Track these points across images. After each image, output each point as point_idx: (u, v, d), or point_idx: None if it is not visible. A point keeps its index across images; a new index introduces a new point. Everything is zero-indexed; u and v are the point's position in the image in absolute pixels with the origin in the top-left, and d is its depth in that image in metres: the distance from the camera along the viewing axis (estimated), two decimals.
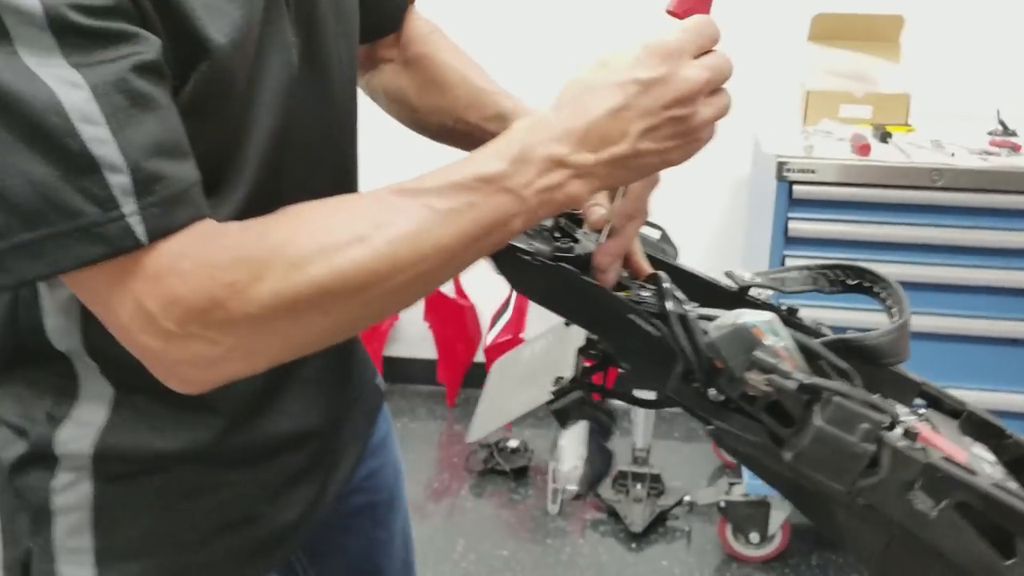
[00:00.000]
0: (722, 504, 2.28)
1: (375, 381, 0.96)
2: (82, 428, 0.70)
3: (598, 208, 0.74)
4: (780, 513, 2.26)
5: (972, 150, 1.99)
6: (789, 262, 1.96)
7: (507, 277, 0.73)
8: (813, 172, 1.92)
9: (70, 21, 0.51)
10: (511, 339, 2.83)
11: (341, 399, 0.84)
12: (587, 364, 0.78)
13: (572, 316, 0.75)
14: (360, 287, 0.56)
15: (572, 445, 0.70)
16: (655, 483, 2.51)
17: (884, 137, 2.05)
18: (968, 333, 1.86)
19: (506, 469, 2.66)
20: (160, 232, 0.54)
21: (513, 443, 2.75)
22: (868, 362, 0.73)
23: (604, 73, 0.57)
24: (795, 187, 1.94)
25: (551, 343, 0.87)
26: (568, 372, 0.75)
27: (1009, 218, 1.89)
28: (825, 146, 2.02)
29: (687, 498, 2.46)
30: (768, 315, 0.68)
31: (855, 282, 0.84)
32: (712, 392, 0.71)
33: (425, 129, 0.93)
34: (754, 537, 2.28)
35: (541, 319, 2.94)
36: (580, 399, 0.73)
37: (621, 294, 0.71)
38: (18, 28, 0.50)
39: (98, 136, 0.52)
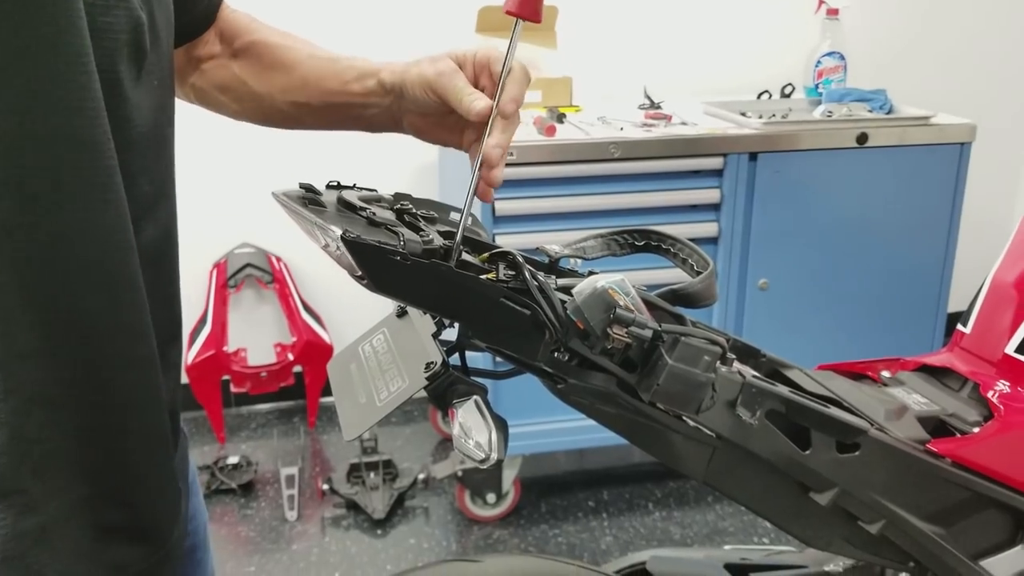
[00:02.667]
0: (459, 473, 2.41)
1: None
2: None
3: (479, 100, 0.80)
4: (511, 472, 2.44)
5: (635, 124, 2.27)
6: (500, 240, 2.11)
7: (371, 279, 0.75)
8: (512, 154, 2.07)
9: None
10: (215, 354, 2.73)
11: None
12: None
13: (441, 309, 0.79)
14: None
15: (474, 418, 0.75)
16: (388, 468, 2.58)
17: (560, 118, 2.27)
18: (664, 281, 2.15)
19: (232, 486, 2.58)
20: None
21: (233, 459, 2.68)
22: (689, 306, 0.86)
23: None
24: None
25: (391, 335, 0.90)
26: (436, 357, 0.80)
27: (676, 179, 2.19)
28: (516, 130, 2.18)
29: (421, 476, 2.56)
30: (617, 277, 0.78)
31: (642, 243, 0.98)
32: (556, 355, 0.80)
33: (271, 113, 0.91)
34: (491, 498, 2.44)
35: (245, 329, 2.88)
36: (453, 379, 0.79)
37: (487, 276, 0.77)
38: None
39: None
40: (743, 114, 2.40)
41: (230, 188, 2.75)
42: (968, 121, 2.37)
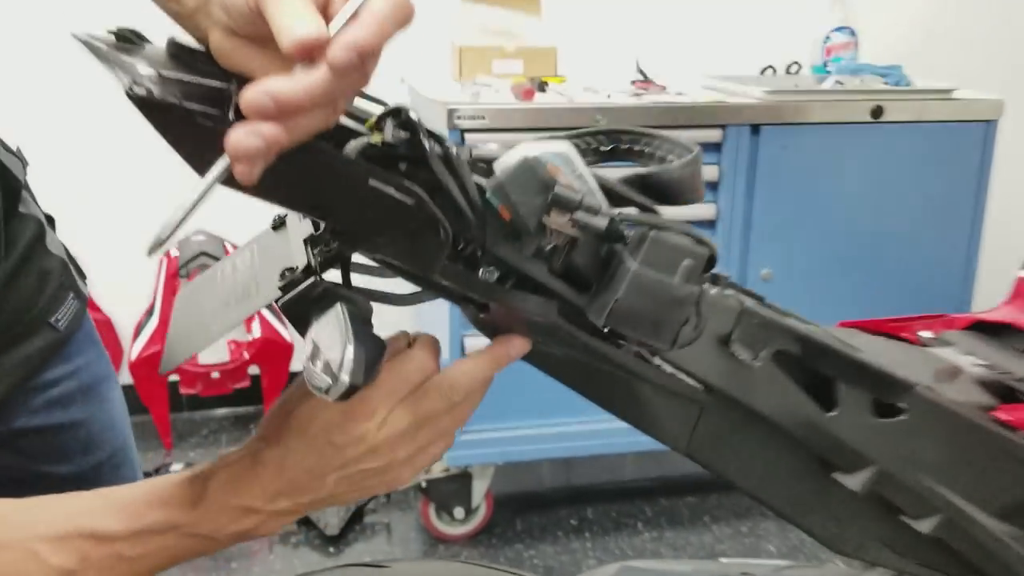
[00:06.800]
0: (423, 484, 2.16)
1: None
2: None
3: (306, 24, 0.47)
4: (482, 483, 2.19)
5: (624, 92, 2.04)
6: None
7: (182, 154, 0.51)
8: (483, 119, 1.87)
9: None
10: (160, 349, 2.48)
11: None
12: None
13: (291, 200, 0.54)
14: None
15: (329, 331, 0.51)
16: None
17: (542, 86, 2.05)
18: None
19: None
20: None
21: (176, 467, 2.46)
22: (665, 201, 0.62)
23: (303, 438, 0.58)
24: (467, 135, 1.87)
25: (257, 252, 0.66)
26: (298, 262, 0.56)
27: None
28: (489, 95, 1.98)
29: None
30: (561, 145, 0.54)
31: (610, 147, 0.73)
32: (483, 271, 0.56)
33: None
34: (459, 513, 2.19)
35: None
36: (323, 290, 0.54)
37: (372, 140, 0.52)
38: None
39: None
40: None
41: (182, 169, 2.51)
42: (995, 96, 2.13)
